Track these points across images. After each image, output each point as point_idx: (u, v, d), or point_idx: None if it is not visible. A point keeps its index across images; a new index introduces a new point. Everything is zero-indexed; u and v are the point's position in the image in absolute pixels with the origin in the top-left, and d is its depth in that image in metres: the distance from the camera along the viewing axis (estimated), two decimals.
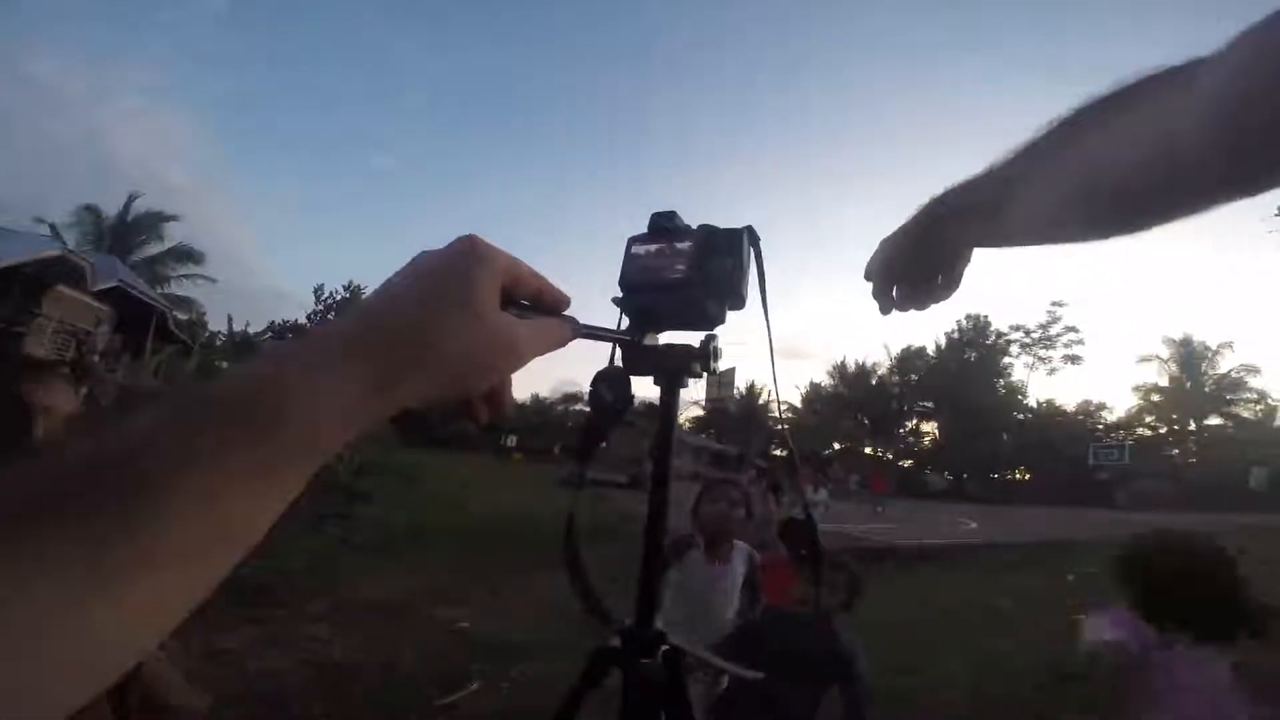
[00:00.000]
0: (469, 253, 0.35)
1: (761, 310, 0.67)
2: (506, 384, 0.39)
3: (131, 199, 24.74)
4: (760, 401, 42.53)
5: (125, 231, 24.28)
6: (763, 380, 43.13)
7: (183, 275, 25.14)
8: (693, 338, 0.67)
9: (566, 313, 0.43)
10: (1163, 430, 39.77)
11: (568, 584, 0.72)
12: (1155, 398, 39.64)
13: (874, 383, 47.03)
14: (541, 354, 0.39)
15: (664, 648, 0.72)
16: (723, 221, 0.64)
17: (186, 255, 25.16)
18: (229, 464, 0.26)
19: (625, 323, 0.64)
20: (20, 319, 12.83)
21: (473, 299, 0.34)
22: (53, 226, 21.74)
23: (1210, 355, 37.82)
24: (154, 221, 24.94)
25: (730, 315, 0.65)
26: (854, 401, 45.70)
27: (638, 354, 0.64)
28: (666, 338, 0.66)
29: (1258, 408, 37.01)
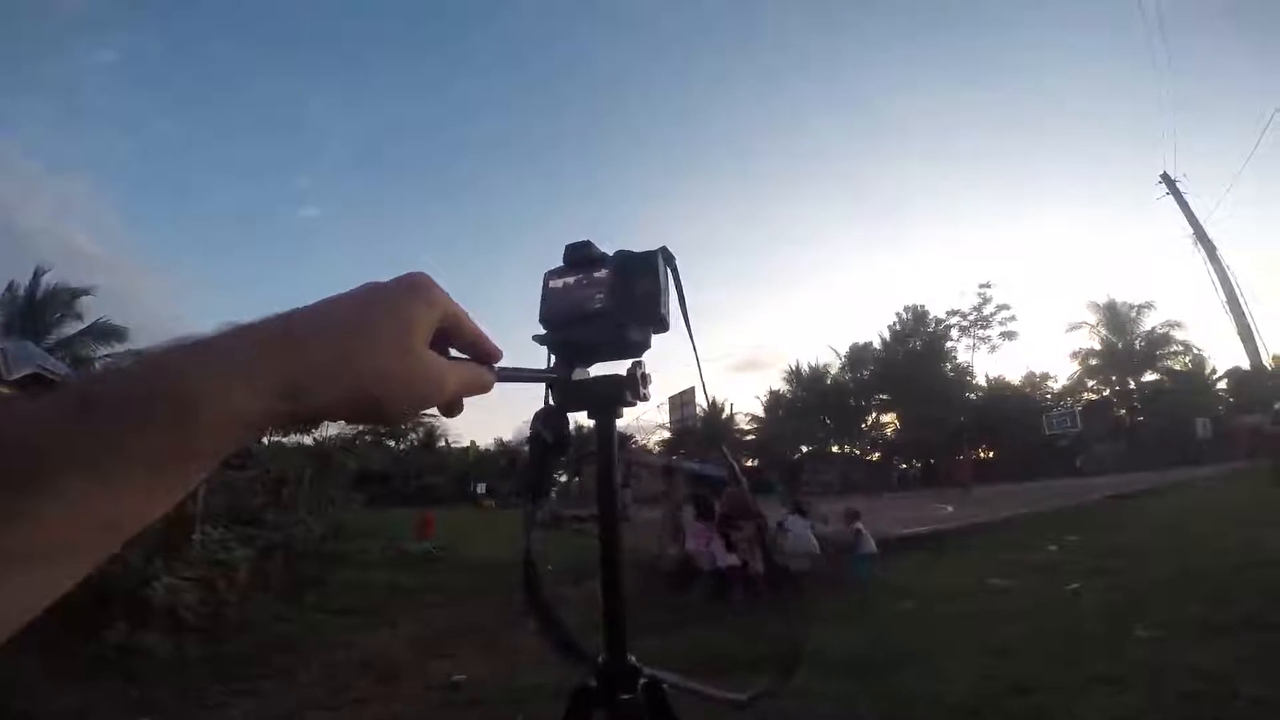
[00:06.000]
0: (414, 289, 0.35)
1: (685, 329, 0.67)
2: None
3: (39, 273, 22.27)
4: (724, 415, 42.68)
5: (38, 310, 21.92)
6: (723, 395, 43.54)
7: (107, 355, 23.25)
8: (621, 367, 0.66)
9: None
10: (1106, 392, 41.48)
11: (534, 626, 0.70)
12: (1092, 361, 41.27)
13: (829, 383, 47.70)
14: (463, 395, 0.39)
15: (642, 680, 0.71)
16: (650, 239, 0.65)
17: (109, 333, 23.09)
18: (118, 464, 0.25)
19: (553, 359, 0.64)
20: None
21: (404, 330, 0.33)
22: None
23: (1134, 315, 39.71)
24: (67, 297, 22.58)
25: (664, 335, 0.65)
26: (813, 403, 46.21)
27: (569, 390, 0.63)
28: (598, 369, 0.66)
29: (1186, 359, 39.02)
